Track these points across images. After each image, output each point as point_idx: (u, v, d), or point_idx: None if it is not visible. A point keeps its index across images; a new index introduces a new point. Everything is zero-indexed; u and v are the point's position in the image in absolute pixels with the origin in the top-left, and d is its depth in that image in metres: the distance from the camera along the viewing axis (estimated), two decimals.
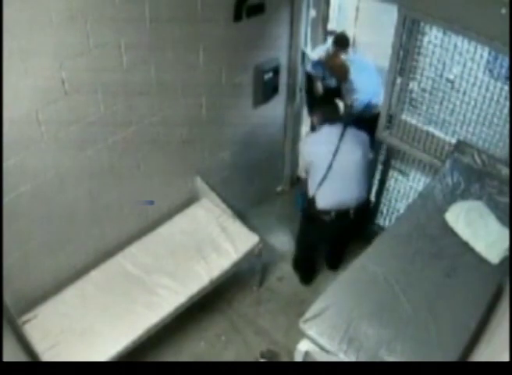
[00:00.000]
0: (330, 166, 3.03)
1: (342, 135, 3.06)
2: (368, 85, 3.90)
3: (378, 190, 3.76)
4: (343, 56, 3.94)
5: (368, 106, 3.86)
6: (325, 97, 4.23)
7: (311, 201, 3.17)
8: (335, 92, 4.11)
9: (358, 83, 3.91)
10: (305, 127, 4.31)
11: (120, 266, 3.15)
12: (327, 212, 3.13)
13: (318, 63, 4.02)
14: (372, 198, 3.80)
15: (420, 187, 3.46)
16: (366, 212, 3.52)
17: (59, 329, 2.79)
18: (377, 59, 4.01)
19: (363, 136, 3.17)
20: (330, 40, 4.04)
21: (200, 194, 3.62)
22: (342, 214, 3.15)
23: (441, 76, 3.00)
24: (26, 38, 2.19)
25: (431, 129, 3.20)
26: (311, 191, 3.16)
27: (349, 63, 3.92)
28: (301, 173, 3.46)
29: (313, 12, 3.77)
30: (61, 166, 2.67)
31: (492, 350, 1.87)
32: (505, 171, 2.74)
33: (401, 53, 3.01)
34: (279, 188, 4.52)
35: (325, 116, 3.18)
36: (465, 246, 2.39)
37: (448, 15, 2.62)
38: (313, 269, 3.77)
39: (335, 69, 3.97)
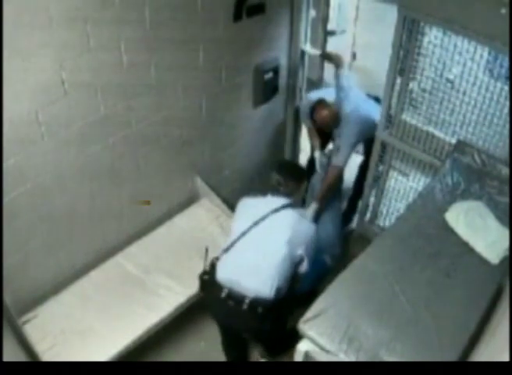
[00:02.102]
0: (243, 234, 2.50)
1: (274, 211, 2.49)
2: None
3: (378, 190, 3.76)
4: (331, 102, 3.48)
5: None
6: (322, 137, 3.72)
7: (213, 268, 2.62)
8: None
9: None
10: (305, 127, 4.30)
11: (120, 266, 3.15)
12: (221, 287, 2.50)
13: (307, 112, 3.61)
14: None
15: (420, 187, 3.45)
16: (273, 318, 2.52)
17: (59, 329, 2.79)
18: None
19: (305, 230, 2.53)
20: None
21: (200, 194, 3.62)
22: (235, 297, 2.46)
23: (441, 76, 3.00)
24: (26, 38, 2.19)
25: (431, 129, 3.19)
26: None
27: (339, 106, 3.40)
28: None
29: (313, 12, 3.77)
30: (61, 166, 2.67)
31: (492, 350, 1.87)
32: (505, 171, 2.74)
33: (401, 53, 3.01)
34: None
35: (277, 182, 2.62)
36: (465, 246, 2.39)
37: (448, 15, 2.62)
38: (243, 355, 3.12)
39: (320, 122, 3.53)
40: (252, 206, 2.61)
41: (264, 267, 2.42)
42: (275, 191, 2.60)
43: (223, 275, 2.51)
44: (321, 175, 3.55)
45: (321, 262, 3.34)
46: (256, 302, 2.43)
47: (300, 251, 2.47)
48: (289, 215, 2.51)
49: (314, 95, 3.64)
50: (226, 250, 2.55)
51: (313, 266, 2.63)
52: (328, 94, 3.58)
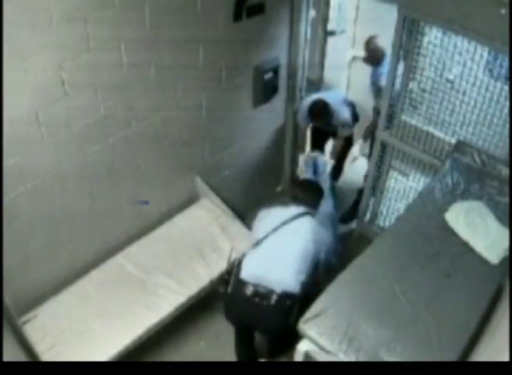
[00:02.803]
0: (266, 236, 2.65)
1: (299, 216, 2.71)
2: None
3: (378, 189, 3.76)
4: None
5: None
6: (315, 138, 4.26)
7: (237, 267, 2.71)
8: (324, 133, 4.19)
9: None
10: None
11: (120, 266, 3.15)
12: (246, 284, 2.59)
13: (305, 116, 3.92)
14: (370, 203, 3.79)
15: (420, 187, 3.45)
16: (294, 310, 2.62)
17: (59, 329, 2.79)
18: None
19: (325, 235, 2.79)
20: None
21: (200, 194, 3.62)
22: (262, 294, 2.56)
23: (441, 76, 3.00)
24: (27, 38, 2.19)
25: (431, 129, 3.19)
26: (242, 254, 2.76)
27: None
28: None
29: (313, 12, 3.77)
30: (61, 166, 2.67)
31: (492, 350, 1.87)
32: (505, 171, 2.74)
33: (401, 53, 3.01)
34: (278, 188, 4.52)
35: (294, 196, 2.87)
36: (465, 246, 2.39)
37: (448, 15, 2.62)
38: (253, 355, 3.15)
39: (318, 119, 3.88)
40: (276, 213, 2.78)
41: (290, 262, 2.57)
42: (295, 202, 2.81)
43: (250, 271, 2.62)
44: (306, 172, 3.85)
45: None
46: (285, 296, 2.55)
47: (322, 254, 2.70)
48: (312, 221, 2.73)
49: (313, 97, 3.91)
50: (253, 248, 2.67)
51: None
52: (327, 97, 3.88)
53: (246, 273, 2.62)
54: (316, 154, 3.96)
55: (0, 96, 2.20)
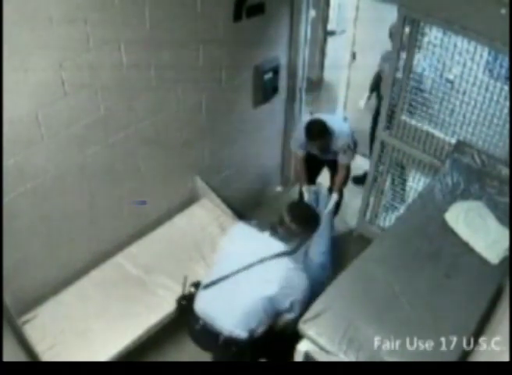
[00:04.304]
0: (231, 273, 2.28)
1: (270, 258, 2.23)
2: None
3: (378, 189, 3.76)
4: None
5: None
6: (308, 169, 3.75)
7: (194, 294, 2.49)
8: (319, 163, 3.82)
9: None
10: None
11: (120, 266, 3.15)
12: (197, 317, 2.40)
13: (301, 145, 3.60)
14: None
15: (420, 187, 3.46)
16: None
17: (59, 329, 2.79)
18: None
19: (298, 282, 2.25)
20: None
21: (200, 194, 3.62)
22: (211, 331, 2.35)
23: (441, 76, 3.01)
24: (27, 38, 2.19)
25: (431, 129, 3.20)
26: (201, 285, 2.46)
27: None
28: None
29: (313, 12, 3.78)
30: (61, 166, 2.67)
31: (492, 350, 1.87)
32: (505, 171, 2.74)
33: (401, 53, 3.01)
34: (278, 188, 4.53)
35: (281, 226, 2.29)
36: (465, 246, 2.39)
37: (448, 15, 2.62)
38: None
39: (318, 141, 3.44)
40: (247, 242, 2.37)
41: (241, 313, 2.28)
42: (274, 231, 2.31)
43: (201, 306, 2.41)
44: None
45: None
46: (230, 341, 2.33)
47: (287, 303, 2.27)
48: (284, 266, 2.24)
49: (306, 120, 3.52)
50: (210, 284, 2.37)
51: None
52: (324, 117, 3.47)
53: (198, 307, 2.42)
54: (318, 187, 3.70)
55: (0, 96, 2.20)
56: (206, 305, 2.40)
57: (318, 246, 3.41)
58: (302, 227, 2.30)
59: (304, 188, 3.67)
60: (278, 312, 2.33)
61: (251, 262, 2.24)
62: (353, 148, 3.55)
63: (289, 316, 2.33)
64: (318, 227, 2.45)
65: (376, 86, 4.35)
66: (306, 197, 3.60)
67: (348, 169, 3.68)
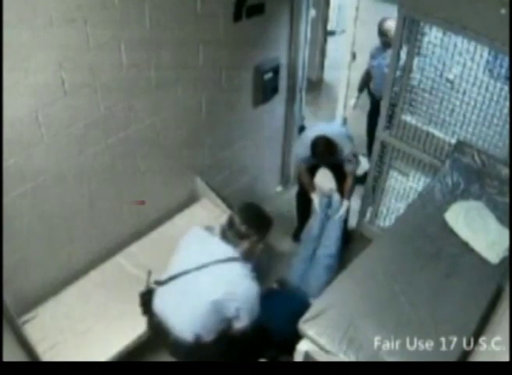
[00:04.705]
0: (184, 273, 2.27)
1: (220, 261, 2.20)
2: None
3: (378, 190, 3.76)
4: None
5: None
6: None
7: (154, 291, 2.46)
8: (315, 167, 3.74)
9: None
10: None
11: (120, 266, 3.15)
12: (154, 314, 2.42)
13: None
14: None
15: (420, 187, 3.46)
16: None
17: (59, 329, 2.79)
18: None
19: (244, 289, 2.19)
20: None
21: (200, 194, 3.62)
22: (163, 329, 2.36)
23: (441, 76, 3.01)
24: (26, 38, 2.19)
25: (431, 129, 3.20)
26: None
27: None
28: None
29: (313, 12, 3.78)
30: (61, 167, 2.67)
31: (492, 350, 1.87)
32: (505, 171, 2.74)
33: (401, 53, 3.01)
34: (278, 188, 4.53)
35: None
36: (465, 246, 2.39)
37: (448, 15, 2.62)
38: None
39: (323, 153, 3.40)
40: (200, 245, 2.34)
41: (188, 313, 2.26)
42: (224, 235, 2.26)
43: (158, 304, 2.41)
44: (322, 216, 3.52)
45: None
46: (177, 341, 2.33)
47: (232, 309, 2.20)
48: (234, 271, 2.20)
49: (310, 134, 3.48)
50: (165, 282, 2.36)
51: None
52: (326, 130, 3.46)
53: (155, 304, 2.42)
54: (330, 192, 3.62)
55: (0, 96, 2.20)
56: (161, 304, 2.40)
57: (325, 249, 3.53)
58: (253, 229, 2.24)
59: (314, 195, 3.58)
60: (226, 319, 2.26)
61: (205, 263, 2.20)
62: (356, 155, 3.57)
63: (237, 325, 2.27)
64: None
65: (365, 84, 4.45)
66: (316, 203, 3.55)
67: (354, 175, 3.67)
